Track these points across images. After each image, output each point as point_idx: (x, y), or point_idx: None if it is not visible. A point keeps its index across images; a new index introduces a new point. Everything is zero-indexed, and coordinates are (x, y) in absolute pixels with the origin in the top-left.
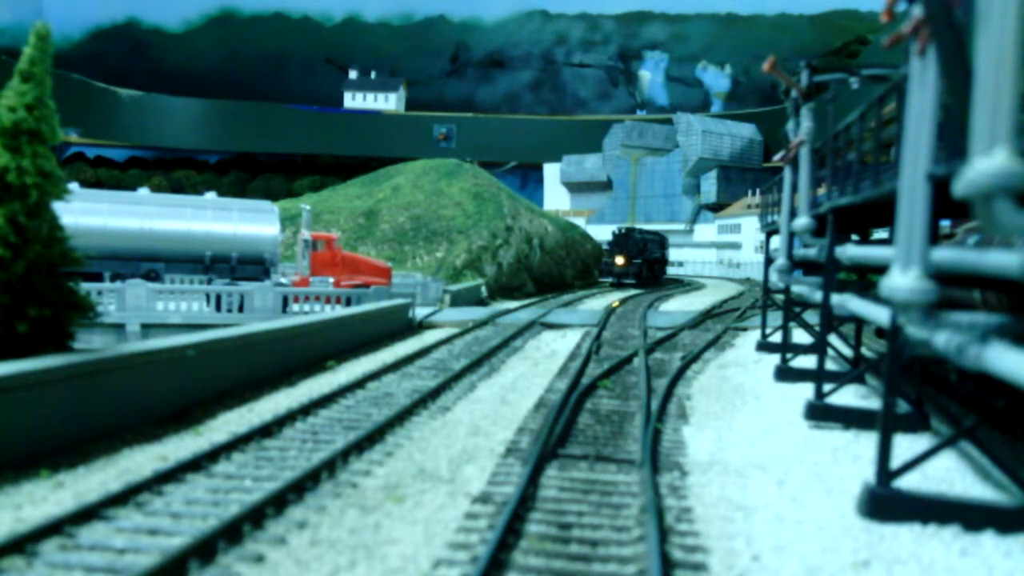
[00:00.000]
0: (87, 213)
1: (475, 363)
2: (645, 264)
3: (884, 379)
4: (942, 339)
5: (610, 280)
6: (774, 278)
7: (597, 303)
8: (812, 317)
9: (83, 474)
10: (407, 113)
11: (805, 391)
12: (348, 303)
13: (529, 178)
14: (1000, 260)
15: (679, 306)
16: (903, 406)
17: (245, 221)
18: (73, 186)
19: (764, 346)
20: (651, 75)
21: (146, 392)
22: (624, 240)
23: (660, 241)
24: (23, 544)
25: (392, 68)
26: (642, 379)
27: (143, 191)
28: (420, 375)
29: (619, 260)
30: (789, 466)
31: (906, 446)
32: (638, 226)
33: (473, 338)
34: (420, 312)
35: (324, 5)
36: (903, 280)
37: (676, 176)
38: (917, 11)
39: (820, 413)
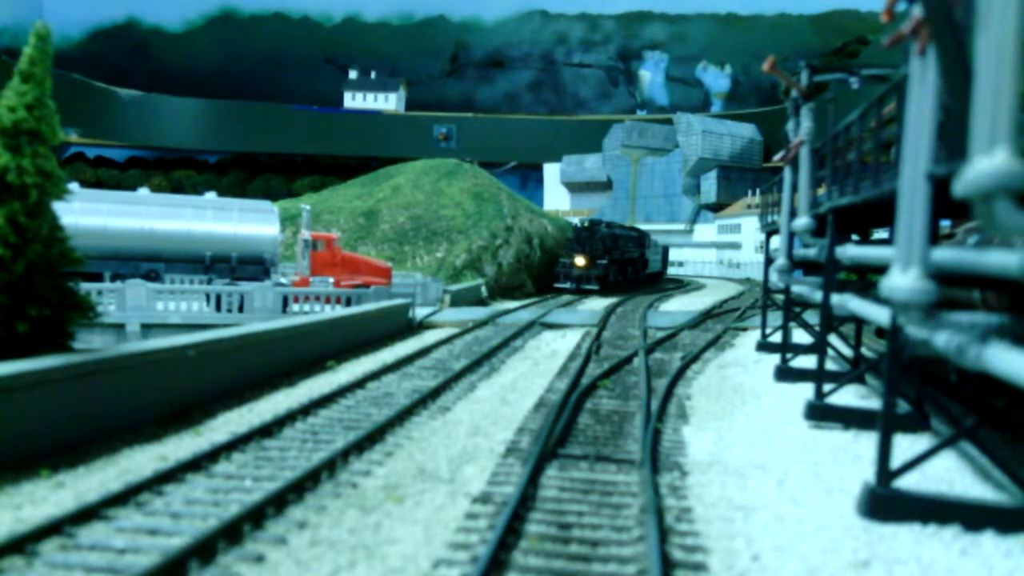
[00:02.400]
0: (87, 213)
1: (475, 363)
2: (614, 266)
3: (884, 379)
4: (942, 339)
5: (567, 286)
6: (774, 278)
7: (597, 303)
8: (812, 317)
9: (83, 474)
10: (407, 113)
11: (805, 391)
12: (348, 303)
13: (529, 178)
14: (1000, 260)
15: (679, 306)
16: (903, 406)
17: (245, 221)
18: (73, 186)
19: (764, 346)
20: (651, 75)
21: (146, 392)
22: (586, 236)
23: (638, 238)
24: (23, 544)
25: (392, 68)
26: (642, 379)
27: (143, 191)
28: (420, 375)
29: (579, 261)
30: (789, 466)
31: (906, 446)
32: (617, 221)
33: (473, 338)
34: (420, 312)
35: (324, 5)
36: (903, 280)
37: (676, 176)
38: (917, 11)
39: (820, 413)
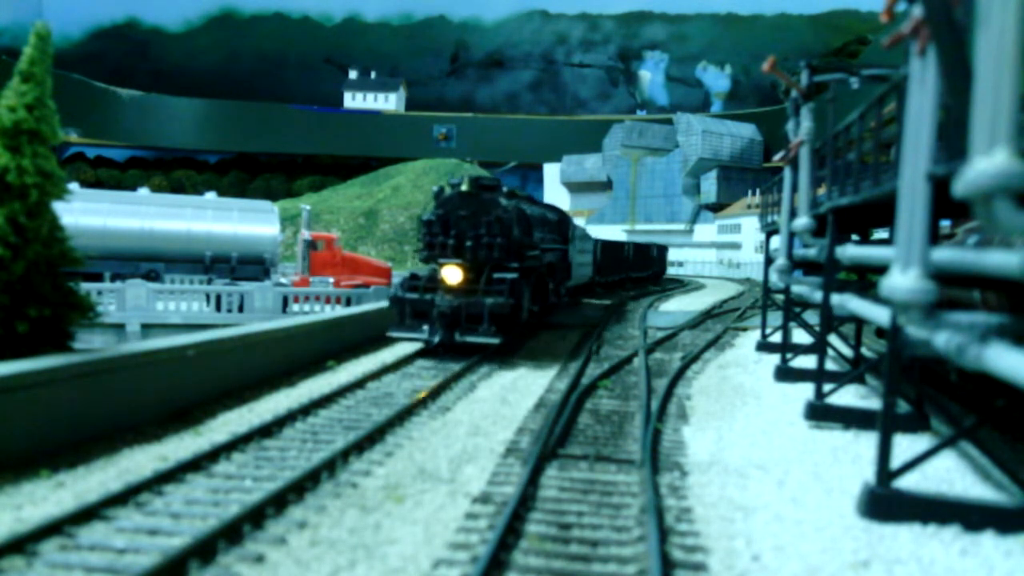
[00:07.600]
0: (87, 213)
1: (475, 363)
2: (527, 280)
3: (884, 379)
4: (942, 339)
5: (417, 337)
6: (774, 278)
7: (597, 303)
8: (812, 317)
9: (83, 474)
10: (407, 113)
11: (805, 391)
12: (348, 303)
13: (529, 178)
14: (1000, 260)
15: (679, 306)
16: (903, 406)
17: (245, 221)
18: (73, 186)
19: (764, 346)
20: (651, 75)
21: (146, 392)
22: (467, 216)
23: (558, 223)
24: (23, 544)
25: (392, 68)
26: (642, 379)
27: (143, 191)
28: (420, 375)
29: (450, 276)
30: (789, 466)
31: (906, 446)
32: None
33: None
34: None
35: (324, 5)
36: (903, 280)
37: (676, 176)
38: (917, 11)
39: (820, 413)
